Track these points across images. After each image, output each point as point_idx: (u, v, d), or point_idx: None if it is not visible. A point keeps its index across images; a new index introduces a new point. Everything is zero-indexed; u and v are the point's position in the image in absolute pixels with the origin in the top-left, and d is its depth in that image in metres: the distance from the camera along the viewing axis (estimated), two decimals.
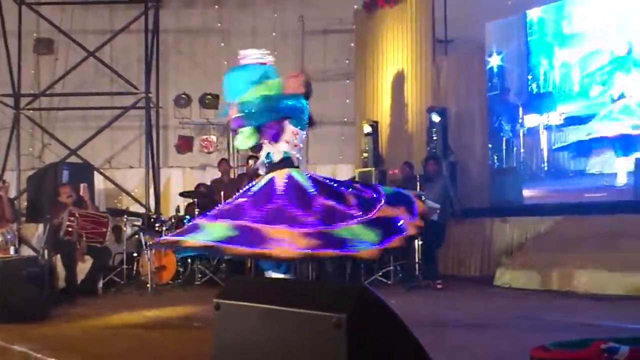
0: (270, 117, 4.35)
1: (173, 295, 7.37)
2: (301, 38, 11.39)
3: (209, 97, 10.82)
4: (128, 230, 8.64)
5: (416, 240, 7.54)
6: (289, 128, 4.42)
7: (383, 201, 4.29)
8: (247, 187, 4.44)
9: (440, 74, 9.61)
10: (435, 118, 8.91)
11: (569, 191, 7.90)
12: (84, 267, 7.30)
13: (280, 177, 4.29)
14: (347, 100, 11.17)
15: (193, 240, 4.06)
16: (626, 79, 7.45)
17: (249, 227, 3.96)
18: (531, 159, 8.52)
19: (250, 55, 4.50)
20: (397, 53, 10.04)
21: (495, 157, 8.89)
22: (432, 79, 9.53)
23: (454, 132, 9.17)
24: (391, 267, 7.79)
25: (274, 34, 11.24)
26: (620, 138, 7.45)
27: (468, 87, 9.32)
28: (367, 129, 9.81)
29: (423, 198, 7.51)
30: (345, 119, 11.14)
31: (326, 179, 4.47)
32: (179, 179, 10.97)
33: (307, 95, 4.62)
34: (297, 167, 4.42)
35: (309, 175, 4.36)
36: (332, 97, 11.12)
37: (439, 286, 7.34)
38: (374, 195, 4.34)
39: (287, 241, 3.90)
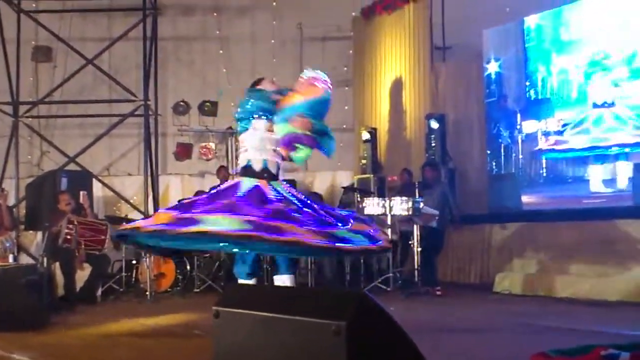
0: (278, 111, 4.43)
1: (172, 302, 7.36)
2: (300, 45, 11.41)
3: (208, 104, 10.83)
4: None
5: (415, 247, 7.55)
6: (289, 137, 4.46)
7: (353, 217, 4.39)
8: (226, 189, 4.44)
9: (438, 80, 9.63)
10: (434, 125, 8.92)
11: (567, 197, 7.90)
12: (82, 275, 7.29)
13: (265, 186, 4.31)
14: (346, 107, 11.18)
15: (138, 225, 4.17)
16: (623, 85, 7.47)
17: (260, 222, 3.95)
18: (529, 165, 8.52)
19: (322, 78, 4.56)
20: (395, 60, 10.06)
21: (494, 164, 8.90)
22: (430, 85, 9.54)
23: (453, 139, 9.18)
24: (390, 274, 7.77)
25: (272, 41, 11.25)
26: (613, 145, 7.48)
27: (466, 93, 9.33)
28: (366, 135, 9.82)
29: (422, 205, 7.53)
30: (344, 126, 11.13)
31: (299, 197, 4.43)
32: (178, 186, 10.96)
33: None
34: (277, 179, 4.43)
35: (285, 189, 4.35)
36: (330, 104, 11.13)
37: (438, 293, 7.33)
38: (344, 213, 4.44)
39: (305, 235, 3.91)
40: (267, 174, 4.36)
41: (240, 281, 4.46)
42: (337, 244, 4.02)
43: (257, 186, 4.26)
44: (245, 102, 4.48)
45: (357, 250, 4.26)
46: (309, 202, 4.42)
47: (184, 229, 3.90)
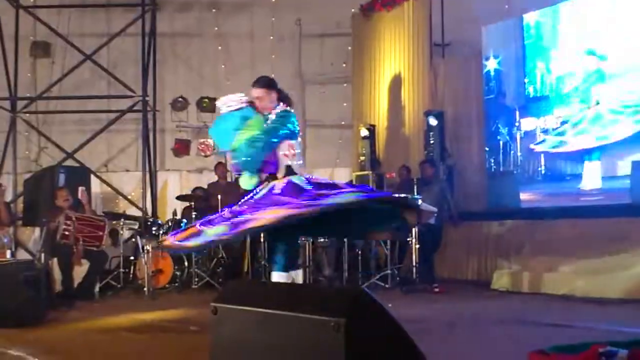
0: (263, 156, 4.42)
1: (170, 298, 7.35)
2: (298, 42, 11.40)
3: (206, 100, 10.81)
4: (125, 234, 8.63)
5: (413, 244, 7.56)
6: (284, 144, 4.46)
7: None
8: (249, 195, 4.48)
9: (437, 77, 9.62)
10: (433, 121, 8.92)
11: (566, 194, 7.90)
12: (80, 271, 7.29)
13: (280, 182, 4.38)
14: (345, 104, 11.18)
15: (194, 243, 4.19)
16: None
17: (239, 220, 4.09)
18: (528, 163, 8.52)
19: (225, 104, 4.56)
20: (394, 56, 10.05)
21: (492, 161, 8.89)
22: (429, 82, 9.54)
23: (451, 136, 9.17)
24: (389, 271, 7.78)
25: (271, 37, 11.24)
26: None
27: (465, 90, 9.32)
28: (365, 132, 9.81)
29: (420, 202, 7.53)
30: (343, 123, 11.15)
31: (323, 180, 4.57)
32: (176, 183, 10.96)
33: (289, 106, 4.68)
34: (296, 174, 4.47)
35: (307, 178, 4.43)
36: (329, 101, 11.15)
37: (436, 290, 7.33)
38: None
39: (269, 212, 4.06)
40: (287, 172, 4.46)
41: (279, 274, 4.45)
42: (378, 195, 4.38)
43: (289, 180, 4.35)
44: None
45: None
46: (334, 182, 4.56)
47: (234, 231, 4.04)
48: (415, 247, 7.54)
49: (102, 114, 10.76)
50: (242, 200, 4.45)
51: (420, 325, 4.10)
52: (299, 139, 4.59)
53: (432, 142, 8.89)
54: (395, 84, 10.00)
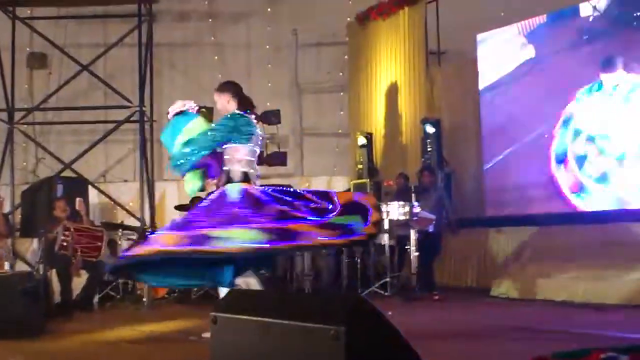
0: (196, 158, 4.39)
1: (169, 309, 7.33)
2: (295, 51, 11.44)
3: (203, 110, 10.76)
4: (123, 244, 8.59)
5: (412, 252, 7.55)
6: (231, 149, 4.45)
7: (337, 210, 4.35)
8: (217, 199, 4.45)
9: (433, 85, 9.65)
10: (430, 129, 8.93)
11: (564, 201, 7.89)
12: (79, 282, 7.27)
13: (233, 189, 4.34)
14: (342, 112, 11.20)
15: (143, 250, 4.07)
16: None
17: (199, 233, 4.00)
18: None
19: (171, 111, 4.61)
20: (390, 65, 10.08)
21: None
22: (425, 90, 9.57)
23: (449, 143, 9.19)
24: (388, 279, 7.77)
25: (267, 47, 11.27)
26: None
27: (462, 98, 9.35)
28: (362, 140, 9.83)
29: (419, 210, 7.54)
30: (340, 131, 11.17)
31: (279, 190, 4.48)
32: (174, 193, 10.92)
33: (248, 110, 4.66)
34: (252, 182, 4.47)
35: (262, 189, 4.40)
36: (326, 109, 11.18)
37: (435, 297, 7.32)
38: (329, 207, 4.40)
39: (315, 232, 3.98)
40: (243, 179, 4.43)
41: (223, 290, 4.47)
42: (347, 237, 4.18)
43: (244, 188, 4.31)
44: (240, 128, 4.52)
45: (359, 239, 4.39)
46: (292, 190, 4.50)
47: (202, 248, 3.90)
48: (415, 255, 7.53)
49: (99, 124, 10.77)
50: (194, 211, 4.41)
51: (420, 333, 4.09)
52: (251, 146, 4.49)
53: (429, 149, 8.91)
54: (392, 92, 10.02)
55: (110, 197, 10.53)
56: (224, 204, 4.24)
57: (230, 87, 4.73)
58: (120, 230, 8.50)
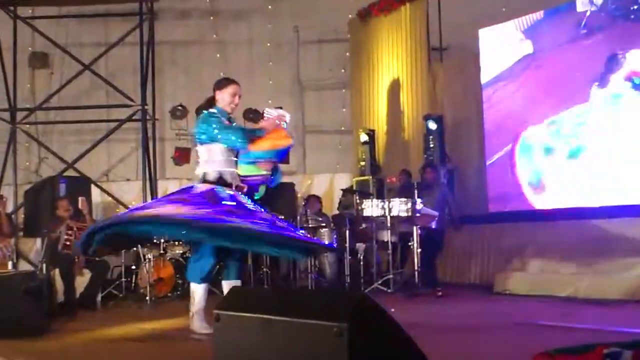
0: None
1: (172, 307, 7.33)
2: (296, 48, 11.43)
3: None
4: None
5: (415, 248, 7.55)
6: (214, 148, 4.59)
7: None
8: (182, 189, 4.67)
9: (436, 81, 9.64)
10: (432, 125, 8.92)
11: (567, 196, 7.89)
12: (82, 281, 7.27)
13: (202, 186, 4.53)
14: (344, 109, 11.19)
15: (152, 212, 4.23)
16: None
17: (144, 206, 4.39)
18: None
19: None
20: (392, 61, 10.07)
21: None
22: (427, 86, 9.55)
23: (451, 139, 9.17)
24: (390, 276, 7.76)
25: (268, 44, 11.26)
26: None
27: (464, 94, 9.34)
28: (364, 137, 9.82)
29: (421, 206, 7.53)
30: (342, 128, 11.16)
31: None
32: None
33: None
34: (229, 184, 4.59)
35: (232, 195, 4.48)
36: (328, 107, 11.17)
37: (438, 294, 7.32)
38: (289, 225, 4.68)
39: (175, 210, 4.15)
40: (220, 182, 4.55)
41: (193, 285, 4.65)
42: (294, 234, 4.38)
43: (212, 189, 4.46)
44: (215, 130, 4.66)
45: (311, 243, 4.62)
46: (263, 210, 4.55)
47: (138, 213, 4.18)
48: (417, 252, 7.53)
49: (101, 123, 10.77)
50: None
51: (423, 330, 4.09)
52: (213, 145, 4.62)
53: (431, 146, 8.89)
54: (394, 88, 10.01)
55: (112, 196, 10.53)
56: (184, 193, 4.51)
57: (215, 85, 4.90)
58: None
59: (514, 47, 8.44)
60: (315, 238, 4.48)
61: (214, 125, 4.58)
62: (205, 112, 4.72)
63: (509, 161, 8.35)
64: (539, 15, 8.22)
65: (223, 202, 4.29)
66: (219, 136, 4.58)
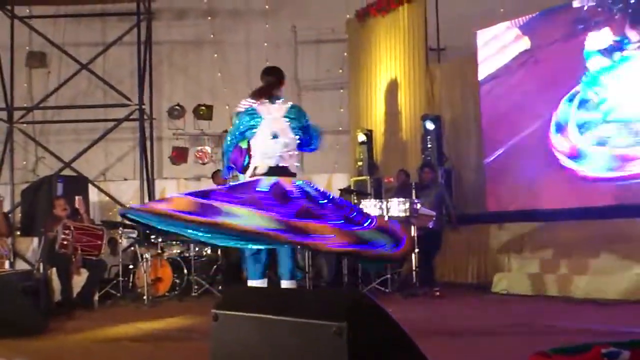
0: (226, 158, 4.56)
1: (169, 307, 7.33)
2: (294, 48, 11.42)
3: (203, 108, 10.82)
4: (124, 243, 8.60)
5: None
6: (250, 143, 4.47)
7: (370, 227, 4.24)
8: (244, 183, 4.38)
9: (433, 81, 9.64)
10: (430, 126, 8.93)
11: (565, 195, 7.90)
12: (79, 280, 7.26)
13: (264, 181, 4.25)
14: (342, 110, 11.19)
15: (153, 207, 4.02)
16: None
17: (289, 223, 3.90)
18: None
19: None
20: (390, 61, 10.07)
21: None
22: (425, 86, 9.56)
23: (449, 139, 9.19)
24: (388, 275, 7.77)
25: (266, 44, 11.26)
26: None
27: (462, 94, 9.35)
28: (362, 137, 9.83)
29: (419, 206, 7.53)
30: (340, 128, 11.16)
31: (321, 192, 4.36)
32: (174, 191, 10.92)
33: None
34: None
35: (297, 185, 4.27)
36: (326, 107, 11.15)
37: (436, 293, 7.32)
38: (364, 222, 4.29)
39: (329, 238, 3.91)
40: (281, 172, 4.31)
41: (251, 282, 4.45)
42: (360, 247, 4.00)
43: (277, 182, 4.21)
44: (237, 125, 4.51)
45: (377, 256, 4.18)
46: (331, 196, 4.38)
47: (210, 219, 3.78)
48: (415, 251, 7.53)
49: (99, 123, 10.76)
50: (219, 187, 4.44)
51: (422, 329, 4.09)
52: (261, 136, 4.43)
53: (429, 146, 8.91)
54: (392, 88, 10.01)
55: (110, 196, 10.52)
56: (251, 189, 4.17)
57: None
58: (121, 228, 8.48)
59: (511, 43, 8.45)
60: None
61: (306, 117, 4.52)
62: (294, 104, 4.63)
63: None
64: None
65: (293, 199, 4.08)
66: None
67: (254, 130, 4.41)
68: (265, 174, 4.29)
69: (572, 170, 7.69)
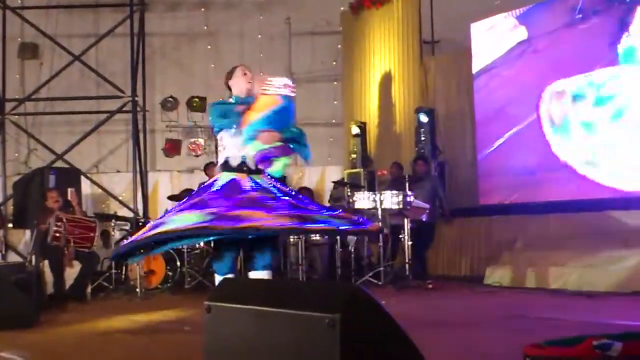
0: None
1: (162, 299, 7.32)
2: (288, 40, 11.39)
3: (196, 100, 10.78)
4: (116, 235, 8.58)
5: (406, 241, 7.57)
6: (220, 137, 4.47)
7: (333, 213, 4.36)
8: (204, 186, 4.42)
9: (427, 74, 9.63)
10: (423, 118, 8.94)
11: (557, 189, 7.92)
12: (72, 273, 7.24)
13: (243, 179, 4.28)
14: (335, 102, 11.18)
15: (166, 228, 3.96)
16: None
17: (222, 213, 3.93)
18: None
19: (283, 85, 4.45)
20: (384, 54, 10.06)
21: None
22: (419, 79, 9.55)
23: (443, 132, 9.19)
24: (381, 268, 7.78)
25: (260, 36, 11.22)
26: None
27: (456, 87, 9.35)
28: (355, 130, 9.82)
29: (412, 199, 7.54)
30: (334, 121, 11.15)
31: (285, 190, 4.40)
32: (167, 183, 10.92)
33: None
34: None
35: (257, 181, 4.31)
36: (320, 99, 11.15)
37: (429, 286, 7.34)
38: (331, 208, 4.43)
39: (266, 219, 3.93)
40: (245, 168, 4.32)
41: (218, 278, 4.46)
42: (305, 225, 4.03)
43: (233, 179, 4.25)
44: (212, 120, 4.46)
45: (330, 230, 4.26)
46: (294, 193, 4.40)
47: (150, 233, 3.98)
48: (408, 244, 7.55)
49: (91, 115, 10.71)
50: (198, 192, 4.40)
51: (415, 321, 4.09)
52: (222, 133, 4.40)
53: (423, 139, 8.91)
54: (386, 81, 10.01)
55: (102, 188, 10.49)
56: (207, 190, 4.25)
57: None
58: (113, 220, 8.47)
59: (507, 34, 8.44)
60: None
61: (211, 116, 4.50)
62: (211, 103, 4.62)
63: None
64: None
65: (243, 192, 4.11)
66: (215, 124, 4.48)
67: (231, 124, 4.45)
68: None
69: (566, 163, 7.71)
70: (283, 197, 4.20)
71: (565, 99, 7.75)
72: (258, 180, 4.29)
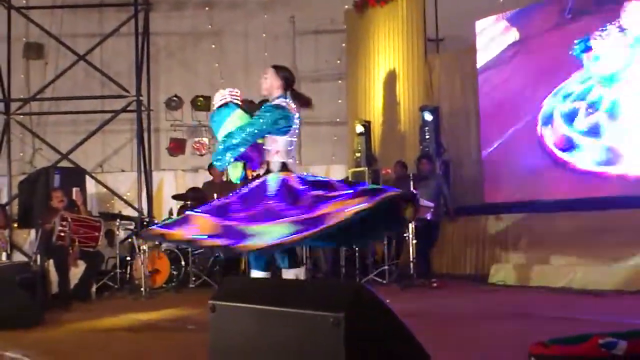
0: (235, 154, 4.34)
1: (167, 298, 7.33)
2: (292, 39, 11.38)
3: (201, 99, 10.78)
4: (121, 234, 8.60)
5: (410, 240, 7.56)
6: (270, 140, 4.41)
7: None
8: (238, 191, 4.40)
9: (432, 72, 9.61)
10: (428, 117, 8.92)
11: (563, 187, 7.90)
12: (76, 272, 7.25)
13: (272, 180, 4.28)
14: (340, 101, 11.17)
15: (179, 233, 4.04)
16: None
17: (232, 227, 3.97)
18: None
19: (216, 100, 4.50)
20: (388, 52, 10.04)
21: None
22: (424, 77, 9.53)
23: (447, 131, 9.17)
24: (386, 267, 7.78)
25: (264, 35, 11.22)
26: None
27: (460, 85, 9.32)
28: (360, 128, 9.81)
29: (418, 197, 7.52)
30: (338, 119, 11.14)
31: (317, 177, 4.44)
32: (172, 182, 10.92)
33: (288, 86, 4.60)
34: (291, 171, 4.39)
35: (299, 177, 4.33)
36: (324, 98, 11.12)
37: (434, 284, 7.33)
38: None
39: (264, 235, 3.93)
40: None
41: (255, 273, 4.41)
42: (380, 196, 3.94)
43: (283, 179, 4.23)
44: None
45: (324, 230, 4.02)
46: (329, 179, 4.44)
47: (237, 245, 3.88)
48: (412, 243, 7.53)
49: (96, 114, 10.72)
50: (232, 197, 4.36)
51: (419, 320, 4.08)
52: (289, 138, 4.41)
53: (427, 137, 8.89)
54: (390, 79, 9.99)
55: (107, 187, 10.50)
56: (261, 196, 4.18)
57: (284, 73, 4.66)
58: (118, 220, 8.49)
59: (501, 35, 8.44)
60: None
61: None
62: None
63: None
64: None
65: (301, 194, 4.09)
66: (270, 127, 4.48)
67: (288, 128, 4.40)
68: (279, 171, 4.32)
69: (567, 162, 7.69)
70: (307, 192, 4.20)
71: (571, 97, 7.73)
72: (300, 175, 4.32)
